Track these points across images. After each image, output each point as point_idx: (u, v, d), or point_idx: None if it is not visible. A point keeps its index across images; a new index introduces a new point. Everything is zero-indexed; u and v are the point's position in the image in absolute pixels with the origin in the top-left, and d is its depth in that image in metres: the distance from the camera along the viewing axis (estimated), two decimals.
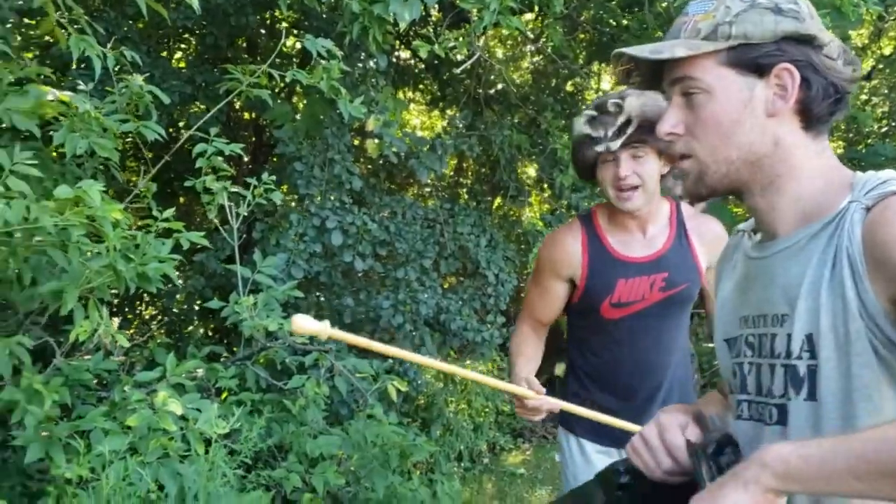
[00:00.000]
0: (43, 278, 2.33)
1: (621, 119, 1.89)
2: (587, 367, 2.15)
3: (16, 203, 2.06)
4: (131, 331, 4.64)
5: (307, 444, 2.87)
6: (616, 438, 2.09)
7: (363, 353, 4.39)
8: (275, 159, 5.23)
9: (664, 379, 2.11)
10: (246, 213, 3.12)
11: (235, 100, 3.20)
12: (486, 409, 5.52)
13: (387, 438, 3.21)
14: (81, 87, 2.76)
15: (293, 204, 4.46)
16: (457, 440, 5.05)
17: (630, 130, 1.88)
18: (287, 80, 3.04)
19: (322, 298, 4.56)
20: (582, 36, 5.86)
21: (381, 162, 5.01)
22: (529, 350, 2.11)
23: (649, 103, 1.88)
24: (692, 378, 2.32)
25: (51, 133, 2.60)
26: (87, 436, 2.14)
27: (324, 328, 1.28)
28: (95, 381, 2.49)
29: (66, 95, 2.56)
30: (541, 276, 2.14)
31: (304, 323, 1.26)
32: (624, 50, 1.03)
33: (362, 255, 4.28)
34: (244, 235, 3.99)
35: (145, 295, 4.75)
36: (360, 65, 4.12)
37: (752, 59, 0.98)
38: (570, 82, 6.18)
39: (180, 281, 2.78)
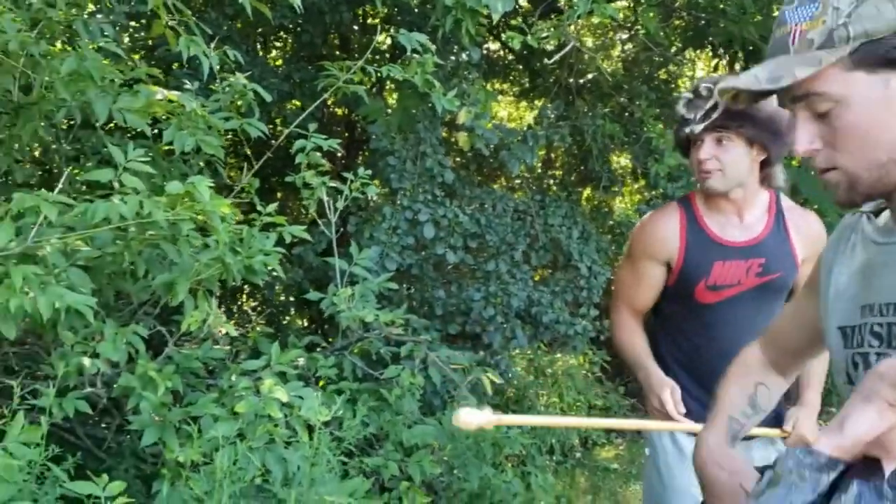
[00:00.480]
0: (155, 270, 2.43)
1: (710, 103, 1.89)
2: (678, 353, 2.12)
3: (130, 199, 2.16)
4: (234, 321, 4.81)
5: (403, 433, 2.92)
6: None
7: (456, 344, 4.46)
8: (367, 154, 5.32)
9: None
10: (342, 207, 3.18)
11: (331, 96, 3.27)
12: (578, 404, 5.48)
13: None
14: (188, 86, 2.87)
15: (386, 197, 4.52)
16: (549, 434, 5.03)
17: (715, 115, 1.88)
18: (382, 75, 3.07)
19: (414, 290, 4.62)
20: (677, 22, 5.72)
21: (471, 154, 5.02)
22: (642, 341, 2.09)
23: None
24: None
25: (159, 131, 2.72)
26: (197, 421, 2.23)
27: (489, 418, 1.27)
28: (204, 369, 2.58)
29: (174, 95, 2.67)
30: (636, 260, 2.11)
31: (469, 418, 1.24)
32: (738, 86, 0.96)
33: (453, 247, 4.31)
34: (340, 229, 4.07)
35: (246, 287, 4.91)
36: (453, 58, 4.14)
37: (880, 56, 0.90)
38: (663, 70, 6.05)
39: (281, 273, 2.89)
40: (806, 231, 2.06)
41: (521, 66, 5.80)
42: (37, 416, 1.88)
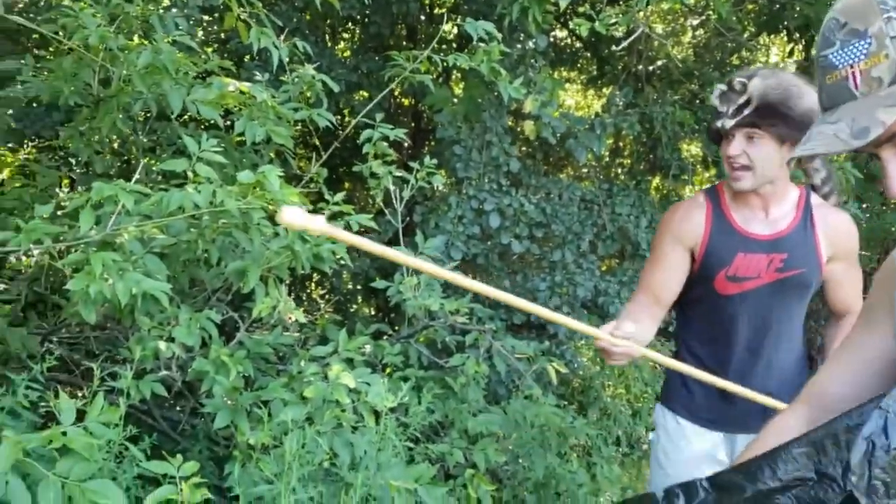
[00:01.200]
0: (227, 258, 2.50)
1: (742, 98, 1.88)
2: (697, 342, 2.13)
3: (204, 188, 2.21)
4: (302, 309, 4.91)
5: (468, 421, 2.92)
6: (713, 420, 2.11)
7: (521, 334, 4.44)
8: (432, 143, 5.34)
9: (771, 369, 2.05)
10: (408, 197, 3.20)
11: (397, 86, 3.29)
12: (646, 395, 5.40)
13: (545, 419, 3.21)
14: (258, 77, 2.93)
15: (452, 187, 4.53)
16: (614, 424, 4.97)
17: (747, 112, 1.87)
18: (448, 64, 3.08)
19: (478, 280, 4.62)
20: (750, 6, 5.56)
21: (537, 143, 4.99)
22: (640, 316, 2.02)
23: (772, 86, 1.86)
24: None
25: (231, 122, 2.78)
26: (267, 405, 2.28)
27: (315, 223, 1.25)
28: (274, 355, 2.64)
29: (245, 86, 2.73)
30: (661, 244, 2.10)
31: (293, 216, 1.21)
32: (823, 152, 0.91)
33: (519, 236, 4.30)
34: (406, 218, 4.10)
35: (315, 275, 5.00)
36: (519, 46, 4.11)
37: None
38: (736, 56, 5.88)
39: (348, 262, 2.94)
40: (834, 230, 2.03)
41: (588, 54, 5.72)
42: (115, 398, 1.95)
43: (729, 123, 1.90)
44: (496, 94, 4.28)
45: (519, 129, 4.90)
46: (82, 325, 2.91)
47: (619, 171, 6.09)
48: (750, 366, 2.05)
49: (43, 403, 2.10)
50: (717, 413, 2.11)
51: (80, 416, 1.74)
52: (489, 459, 2.87)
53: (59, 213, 2.61)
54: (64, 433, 1.63)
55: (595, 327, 1.84)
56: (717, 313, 2.07)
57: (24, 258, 3.63)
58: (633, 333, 1.80)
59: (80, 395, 2.16)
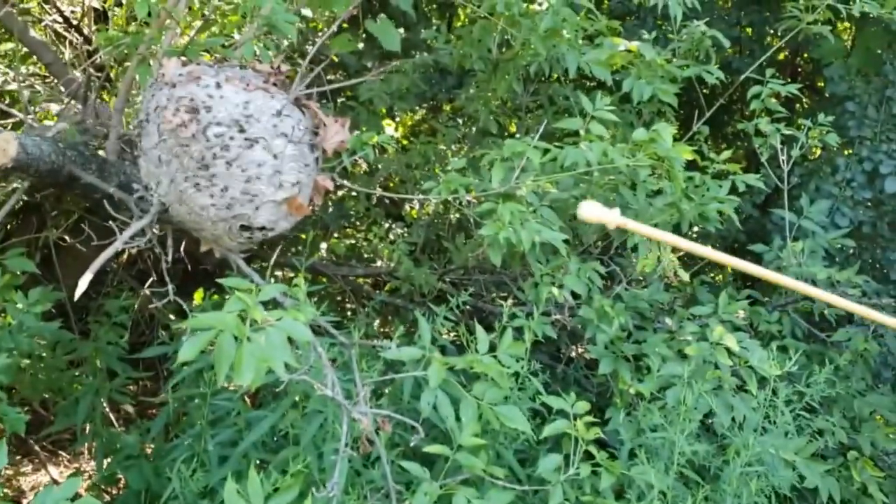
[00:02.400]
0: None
1: None
2: None
3: (596, 145, 2.32)
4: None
5: (854, 401, 2.72)
6: None
7: None
8: (809, 102, 4.92)
9: None
10: (798, 157, 3.01)
11: (774, 41, 3.09)
12: None
13: None
14: (646, 36, 2.95)
15: (840, 147, 4.15)
16: None
17: None
18: (855, 11, 2.81)
19: (865, 251, 4.19)
20: None
21: None
22: None
23: None
24: None
25: (614, 81, 2.85)
26: (644, 359, 2.35)
27: (612, 217, 1.19)
28: (649, 311, 2.69)
29: (634, 45, 2.78)
30: None
31: (591, 211, 1.21)
32: None
33: None
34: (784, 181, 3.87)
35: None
36: None
37: None
38: None
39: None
40: None
41: None
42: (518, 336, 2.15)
43: None
44: None
45: None
46: (472, 268, 3.24)
47: None
48: None
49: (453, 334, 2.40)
50: None
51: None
52: (876, 445, 2.65)
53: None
54: (480, 360, 1.86)
55: None
56: None
57: (421, 207, 4.11)
58: None
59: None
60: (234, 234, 1.77)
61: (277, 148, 1.69)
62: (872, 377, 3.51)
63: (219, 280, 1.44)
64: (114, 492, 2.75)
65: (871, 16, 3.01)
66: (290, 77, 1.87)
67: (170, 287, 1.92)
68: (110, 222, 1.73)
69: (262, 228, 1.78)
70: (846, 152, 3.97)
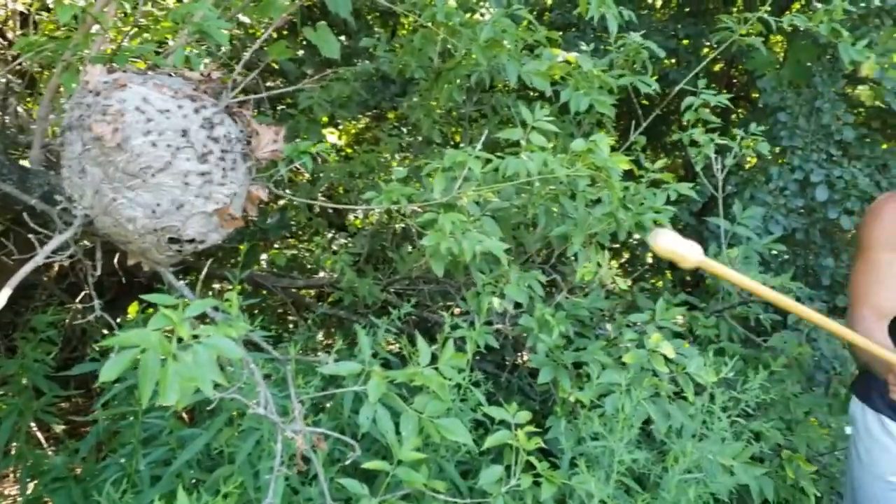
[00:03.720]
0: (552, 223, 2.60)
1: None
2: None
3: (537, 155, 2.32)
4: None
5: (789, 403, 2.78)
6: None
7: (844, 318, 4.07)
8: (744, 112, 5.05)
9: None
10: (732, 166, 3.08)
11: (709, 52, 3.16)
12: None
13: None
14: (584, 47, 2.98)
15: (773, 157, 4.26)
16: None
17: None
18: (784, 24, 2.88)
19: (798, 257, 4.31)
20: None
21: (873, 110, 4.49)
22: (882, 337, 1.80)
23: None
24: None
25: (553, 92, 2.87)
26: (583, 367, 2.35)
27: (693, 254, 1.08)
28: (589, 319, 2.70)
29: (572, 56, 2.80)
30: (874, 255, 1.86)
31: (669, 242, 1.06)
32: None
33: (849, 211, 3.93)
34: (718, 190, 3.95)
35: (615, 245, 5.00)
36: (863, 4, 3.72)
37: None
38: None
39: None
40: None
41: None
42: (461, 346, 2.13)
43: None
44: (829, 56, 3.93)
45: (853, 95, 4.45)
46: (415, 278, 3.22)
47: None
48: None
49: (393, 347, 2.37)
50: None
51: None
52: (811, 446, 2.71)
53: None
54: (421, 373, 1.83)
55: None
56: None
57: (365, 217, 4.07)
58: None
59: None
60: (163, 247, 1.71)
61: (207, 157, 1.65)
62: (806, 380, 3.61)
63: (141, 296, 1.38)
64: None
65: (801, 29, 3.10)
66: (224, 84, 1.83)
67: (96, 302, 1.85)
68: (31, 236, 1.66)
69: (192, 241, 1.73)
70: (779, 161, 4.07)
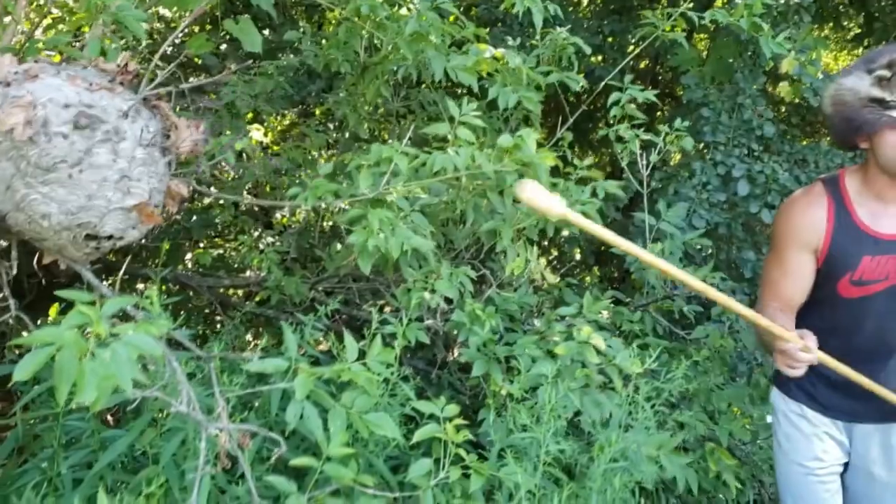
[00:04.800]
0: (480, 219, 2.61)
1: None
2: (821, 343, 1.92)
3: (464, 150, 2.33)
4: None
5: (712, 395, 2.86)
6: (832, 408, 2.04)
7: None
8: (669, 108, 5.18)
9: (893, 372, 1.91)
10: (657, 161, 3.15)
11: (634, 49, 3.23)
12: None
13: None
14: (510, 42, 3.00)
15: (696, 152, 4.37)
16: None
17: None
18: (706, 20, 2.96)
19: (720, 251, 4.44)
20: None
21: (791, 107, 4.67)
22: (786, 324, 1.86)
23: None
24: None
25: (480, 88, 2.88)
26: (513, 360, 2.38)
27: (556, 206, 1.16)
28: (519, 314, 2.73)
29: (499, 52, 2.81)
30: (783, 250, 1.94)
31: (534, 193, 1.14)
32: None
33: (770, 206, 4.06)
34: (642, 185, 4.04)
35: (543, 242, 5.07)
36: (782, 0, 3.85)
37: None
38: None
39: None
40: None
41: (854, 9, 5.22)
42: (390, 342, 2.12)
43: None
44: (750, 53, 4.06)
45: (773, 92, 4.61)
46: (345, 276, 3.19)
47: None
48: (872, 367, 1.90)
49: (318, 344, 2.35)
50: (838, 403, 2.04)
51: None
52: (733, 436, 2.80)
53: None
54: (349, 368, 1.82)
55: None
56: (838, 314, 1.95)
57: (292, 215, 4.02)
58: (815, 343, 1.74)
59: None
60: (80, 244, 1.65)
61: (124, 151, 1.59)
62: (729, 371, 3.72)
63: (57, 292, 1.33)
64: None
65: (723, 26, 3.19)
66: (141, 77, 1.77)
67: (12, 302, 1.77)
68: None
69: (110, 237, 1.67)
70: (702, 157, 4.19)
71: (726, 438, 2.75)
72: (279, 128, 4.88)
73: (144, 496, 1.46)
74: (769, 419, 2.32)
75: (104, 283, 1.92)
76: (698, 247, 3.87)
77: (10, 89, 1.56)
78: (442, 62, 2.65)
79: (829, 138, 5.46)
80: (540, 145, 3.21)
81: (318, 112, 4.21)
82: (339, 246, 3.29)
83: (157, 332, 1.36)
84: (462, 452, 1.90)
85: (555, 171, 2.61)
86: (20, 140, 1.51)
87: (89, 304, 1.26)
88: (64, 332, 1.20)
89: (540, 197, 1.15)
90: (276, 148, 4.33)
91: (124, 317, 1.83)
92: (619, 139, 3.10)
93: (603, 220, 4.56)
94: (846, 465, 2.10)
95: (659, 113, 5.60)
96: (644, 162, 3.15)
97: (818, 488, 2.06)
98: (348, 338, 1.90)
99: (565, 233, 4.95)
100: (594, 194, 2.75)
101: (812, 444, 2.06)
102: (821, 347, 1.94)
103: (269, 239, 3.87)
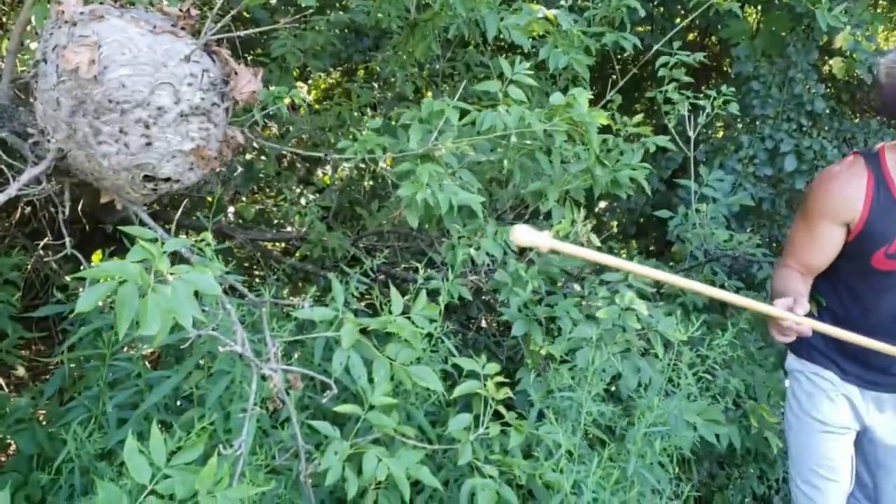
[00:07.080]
0: (527, 178, 2.60)
1: None
2: (841, 310, 2.01)
3: (514, 109, 2.31)
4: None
5: (755, 355, 2.85)
6: (849, 373, 2.05)
7: None
8: (716, 81, 5.08)
9: None
10: (702, 133, 3.10)
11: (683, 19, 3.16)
12: None
13: None
14: (562, 3, 2.95)
15: (744, 126, 4.30)
16: None
17: None
18: None
19: (762, 227, 4.38)
20: None
21: (843, 83, 4.55)
22: (799, 287, 1.91)
23: None
24: None
25: (532, 48, 2.85)
26: (555, 322, 2.38)
27: (544, 240, 1.25)
28: (560, 276, 2.72)
29: (551, 14, 2.78)
30: (814, 219, 1.93)
31: (524, 235, 1.25)
32: None
33: None
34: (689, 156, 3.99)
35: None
36: None
37: None
38: None
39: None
40: None
41: None
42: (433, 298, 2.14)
43: None
44: (804, 26, 3.96)
45: (825, 68, 4.50)
46: (386, 233, 3.21)
47: None
48: (891, 340, 1.85)
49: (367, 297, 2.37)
50: (854, 370, 2.06)
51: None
52: (772, 395, 2.79)
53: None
54: (394, 321, 1.84)
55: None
56: (869, 285, 1.94)
57: (335, 172, 4.04)
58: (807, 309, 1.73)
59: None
60: (137, 185, 1.68)
61: (185, 95, 1.61)
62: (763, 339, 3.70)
63: (121, 228, 1.36)
64: (2, 458, 2.61)
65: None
66: (199, 24, 1.78)
67: (67, 239, 1.81)
68: (3, 168, 1.61)
69: (168, 179, 1.69)
70: (751, 130, 4.11)
71: (765, 397, 2.74)
72: (323, 87, 4.88)
73: (195, 433, 1.49)
74: (786, 383, 2.31)
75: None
76: (753, 205, 3.82)
77: (76, 29, 1.57)
78: (496, 20, 2.62)
79: (878, 117, 5.33)
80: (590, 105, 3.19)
81: (360, 72, 4.19)
82: (380, 204, 3.29)
83: (213, 273, 1.38)
84: (502, 409, 1.92)
85: (605, 132, 2.59)
86: (85, 78, 1.53)
87: (151, 241, 1.28)
88: (127, 265, 1.22)
89: (532, 235, 1.26)
90: (318, 107, 4.34)
91: (179, 260, 1.86)
92: (668, 100, 3.05)
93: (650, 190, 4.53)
94: (862, 433, 2.12)
95: (705, 87, 5.49)
96: (691, 126, 3.11)
97: (832, 445, 2.08)
98: (394, 291, 1.91)
99: (602, 204, 4.92)
100: (646, 153, 2.71)
101: (834, 402, 2.08)
102: (841, 316, 1.99)
103: (311, 196, 3.90)
